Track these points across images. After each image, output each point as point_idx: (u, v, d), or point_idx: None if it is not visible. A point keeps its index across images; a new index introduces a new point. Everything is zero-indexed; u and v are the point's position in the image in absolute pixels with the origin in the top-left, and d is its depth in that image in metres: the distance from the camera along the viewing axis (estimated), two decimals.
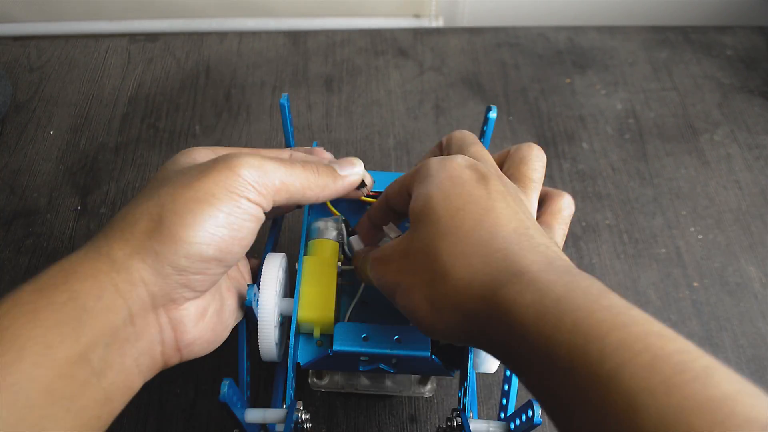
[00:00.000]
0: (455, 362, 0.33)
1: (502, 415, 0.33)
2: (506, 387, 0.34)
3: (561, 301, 0.21)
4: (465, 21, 0.75)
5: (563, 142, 0.58)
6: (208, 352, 0.29)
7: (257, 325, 0.32)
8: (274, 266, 0.33)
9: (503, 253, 0.24)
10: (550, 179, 0.55)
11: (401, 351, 0.30)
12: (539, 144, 0.58)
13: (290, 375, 0.31)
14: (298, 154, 0.35)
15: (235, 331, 0.33)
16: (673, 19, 0.73)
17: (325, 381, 0.40)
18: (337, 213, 0.37)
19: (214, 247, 0.25)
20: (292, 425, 0.30)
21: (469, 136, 0.33)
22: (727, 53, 0.66)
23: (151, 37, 0.66)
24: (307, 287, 0.33)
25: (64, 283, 0.23)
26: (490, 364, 0.33)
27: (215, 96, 0.61)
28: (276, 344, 0.32)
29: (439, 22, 0.72)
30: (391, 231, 0.32)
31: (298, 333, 0.33)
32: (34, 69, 0.62)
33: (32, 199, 0.52)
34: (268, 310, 0.31)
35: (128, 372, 0.24)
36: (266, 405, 0.35)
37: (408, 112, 0.60)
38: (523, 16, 0.74)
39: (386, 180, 0.36)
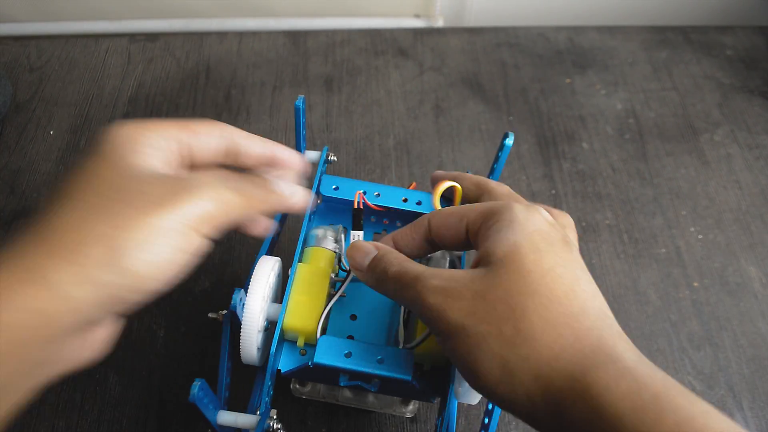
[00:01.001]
0: (436, 389, 0.32)
1: None
2: (486, 420, 0.33)
3: (660, 399, 0.21)
4: (465, 21, 0.75)
5: (563, 142, 0.58)
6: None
7: (241, 327, 0.31)
8: (266, 270, 0.32)
9: (596, 332, 0.23)
10: (550, 179, 0.55)
11: (382, 372, 0.30)
12: (539, 144, 0.58)
13: (267, 382, 0.30)
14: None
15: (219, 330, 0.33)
16: (673, 19, 0.73)
17: (308, 388, 0.39)
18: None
19: (163, 282, 0.23)
20: None
21: (514, 194, 0.31)
22: (727, 53, 0.66)
23: (151, 37, 0.66)
24: (296, 295, 0.32)
25: None
26: (472, 395, 0.31)
27: (215, 96, 0.61)
28: (258, 348, 0.32)
29: (439, 22, 0.72)
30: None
31: (281, 340, 0.32)
32: (34, 69, 0.62)
33: (32, 199, 0.52)
34: (253, 313, 0.30)
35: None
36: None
37: (408, 112, 0.60)
38: (523, 16, 0.74)
39: (390, 194, 0.35)
